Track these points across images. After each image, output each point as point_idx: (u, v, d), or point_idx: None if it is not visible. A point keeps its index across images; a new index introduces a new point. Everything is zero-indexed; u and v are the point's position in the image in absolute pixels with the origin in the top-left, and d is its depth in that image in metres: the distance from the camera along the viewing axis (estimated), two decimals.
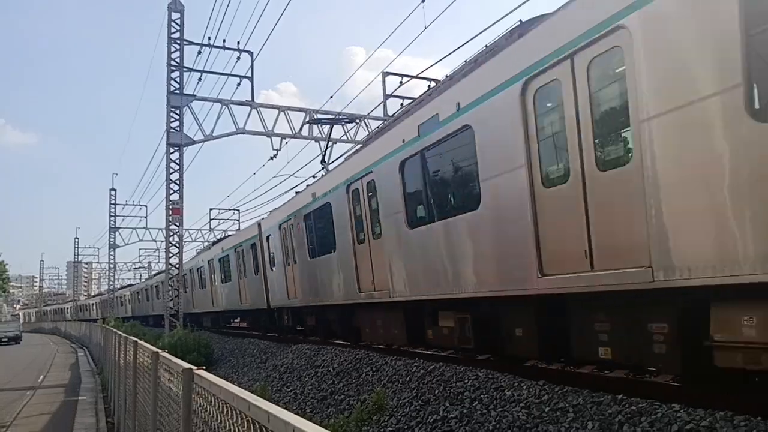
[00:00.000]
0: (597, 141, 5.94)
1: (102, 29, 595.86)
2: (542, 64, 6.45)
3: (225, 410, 2.58)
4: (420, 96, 11.57)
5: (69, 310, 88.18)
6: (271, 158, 22.57)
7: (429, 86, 21.25)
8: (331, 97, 32.02)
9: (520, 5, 12.20)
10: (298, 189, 17.44)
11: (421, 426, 7.34)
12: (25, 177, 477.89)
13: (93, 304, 72.90)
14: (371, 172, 10.83)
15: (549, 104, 6.58)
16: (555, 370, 7.68)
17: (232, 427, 2.44)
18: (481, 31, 14.16)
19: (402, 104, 21.76)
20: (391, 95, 21.50)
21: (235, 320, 28.53)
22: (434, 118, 8.69)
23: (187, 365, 3.53)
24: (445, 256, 8.72)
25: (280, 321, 18.49)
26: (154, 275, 48.19)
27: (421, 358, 9.96)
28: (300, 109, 22.64)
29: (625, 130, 5.63)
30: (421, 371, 9.07)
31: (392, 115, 21.36)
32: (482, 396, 7.34)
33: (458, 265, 8.39)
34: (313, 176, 20.08)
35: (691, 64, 4.92)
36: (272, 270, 17.81)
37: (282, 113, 22.00)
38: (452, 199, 8.92)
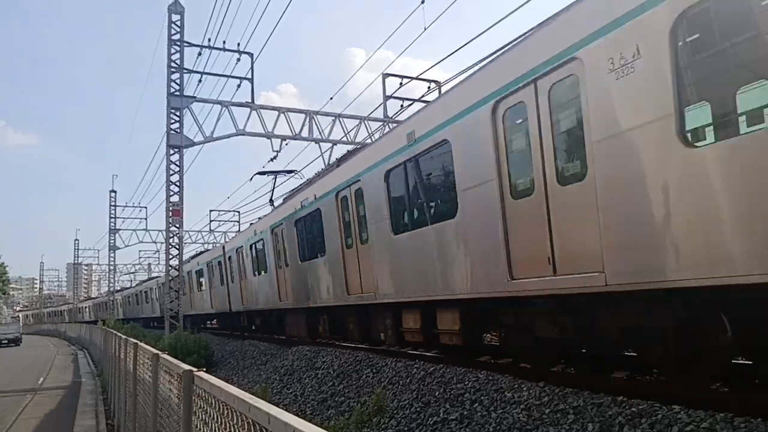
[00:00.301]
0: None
1: (103, 31, 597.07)
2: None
3: (225, 412, 2.58)
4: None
5: (65, 313, 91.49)
6: (271, 159, 22.60)
7: (428, 87, 21.32)
8: (331, 98, 31.85)
9: (520, 6, 12.23)
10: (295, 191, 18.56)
11: (422, 428, 7.34)
12: (25, 178, 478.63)
13: (86, 307, 76.39)
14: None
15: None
16: (555, 372, 7.69)
17: (232, 429, 2.44)
18: (481, 33, 14.25)
19: (402, 105, 21.80)
20: (391, 96, 21.52)
21: (211, 322, 33.44)
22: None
23: (187, 367, 3.54)
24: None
25: (240, 322, 24.59)
26: (144, 281, 51.19)
27: (422, 359, 9.97)
28: (300, 111, 22.65)
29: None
30: (422, 373, 9.07)
31: (392, 117, 21.38)
32: (482, 398, 7.34)
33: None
34: (311, 178, 20.37)
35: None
36: (232, 282, 22.89)
37: (282, 115, 22.02)
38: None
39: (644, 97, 5.39)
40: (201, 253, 32.72)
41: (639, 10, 5.39)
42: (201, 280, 28.75)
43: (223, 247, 24.87)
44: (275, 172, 20.86)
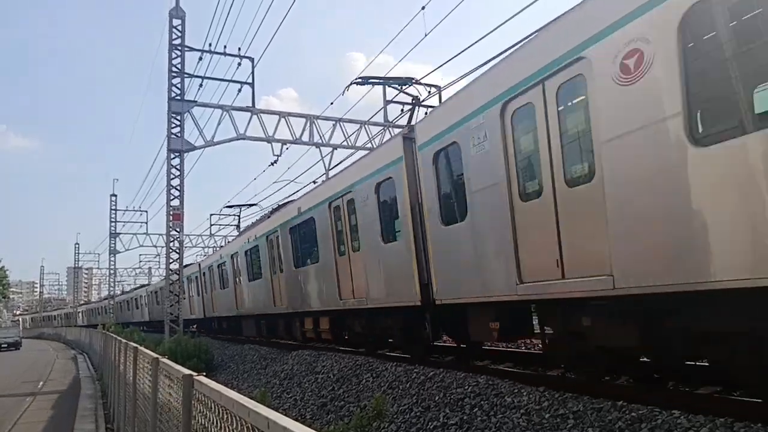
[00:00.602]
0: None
1: (104, 36, 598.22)
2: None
3: (225, 416, 2.58)
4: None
5: (60, 317, 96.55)
6: (272, 164, 22.62)
7: (429, 92, 21.33)
8: (332, 103, 32.06)
9: (522, 10, 12.26)
10: (298, 194, 19.85)
11: None
12: (26, 182, 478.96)
13: (80, 312, 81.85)
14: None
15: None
16: (555, 377, 7.68)
17: None
18: (481, 38, 14.27)
19: (402, 110, 21.82)
20: (391, 101, 21.52)
21: (192, 326, 36.07)
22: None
23: (187, 371, 3.54)
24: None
25: (220, 326, 29.05)
26: (134, 289, 55.10)
27: (422, 364, 9.96)
28: (300, 115, 22.67)
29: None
30: (422, 377, 9.07)
31: (395, 117, 21.42)
32: (482, 402, 7.33)
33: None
34: (314, 181, 20.62)
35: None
36: (206, 293, 28.13)
37: (283, 119, 22.05)
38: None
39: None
40: (187, 265, 39.02)
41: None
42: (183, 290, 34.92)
43: (199, 264, 30.24)
44: (240, 206, 27.96)
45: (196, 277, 29.71)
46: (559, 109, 6.48)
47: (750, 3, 4.76)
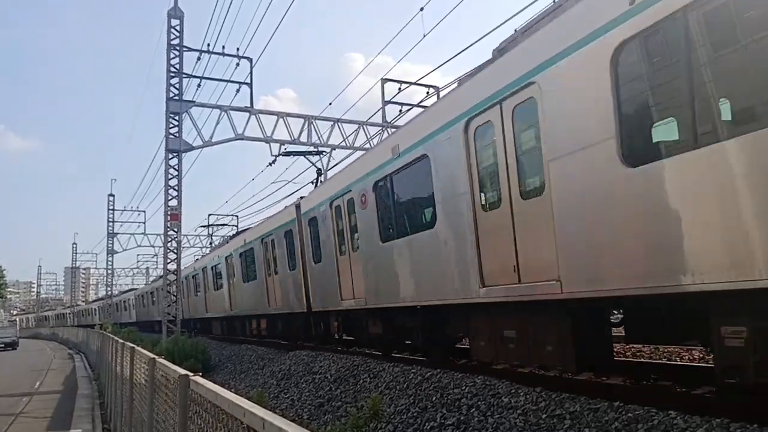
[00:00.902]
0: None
1: (103, 35, 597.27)
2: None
3: (221, 417, 2.59)
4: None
5: (50, 318, 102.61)
6: (270, 164, 22.65)
7: (427, 92, 21.37)
8: (330, 103, 31.94)
9: (518, 12, 12.32)
10: (297, 194, 21.13)
11: None
12: (24, 182, 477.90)
13: (70, 313, 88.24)
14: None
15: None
16: (552, 377, 7.69)
17: None
18: (478, 39, 14.32)
19: (401, 110, 21.84)
20: (389, 101, 21.56)
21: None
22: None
23: (183, 372, 3.54)
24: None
25: (195, 326, 32.02)
26: (123, 293, 59.01)
27: (419, 364, 9.96)
28: (299, 116, 22.67)
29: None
30: (419, 378, 9.07)
31: (388, 123, 21.42)
32: (479, 403, 7.33)
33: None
34: (313, 182, 20.68)
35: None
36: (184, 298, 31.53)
37: (281, 119, 22.04)
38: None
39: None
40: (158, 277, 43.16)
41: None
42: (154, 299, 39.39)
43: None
44: (218, 225, 34.40)
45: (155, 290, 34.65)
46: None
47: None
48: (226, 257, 23.43)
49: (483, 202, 7.80)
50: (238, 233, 25.49)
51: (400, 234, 10.22)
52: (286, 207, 17.55)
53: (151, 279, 60.21)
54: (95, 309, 68.18)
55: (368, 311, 11.76)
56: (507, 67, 7.19)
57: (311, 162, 21.09)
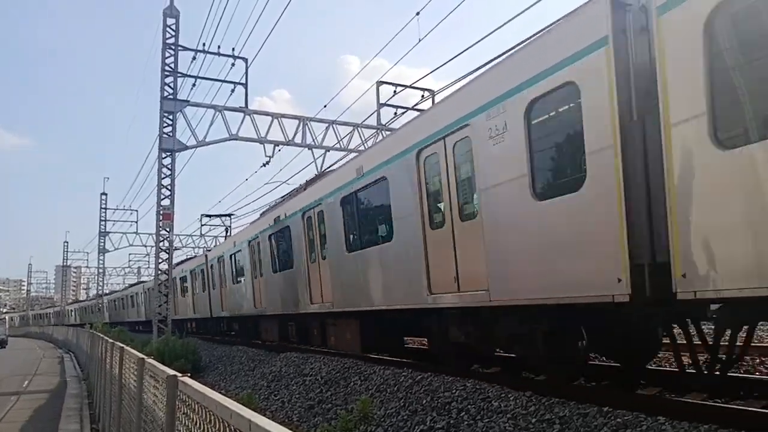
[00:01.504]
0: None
1: (98, 34, 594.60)
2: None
3: (208, 418, 2.57)
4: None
5: (37, 317, 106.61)
6: (264, 165, 22.57)
7: (422, 96, 21.40)
8: (325, 105, 31.83)
9: (515, 17, 12.39)
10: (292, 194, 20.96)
11: None
12: (16, 180, 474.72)
13: (49, 313, 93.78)
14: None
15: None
16: (542, 381, 7.71)
17: None
18: (474, 44, 14.41)
19: (396, 113, 21.88)
20: (384, 104, 21.58)
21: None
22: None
23: (171, 372, 3.52)
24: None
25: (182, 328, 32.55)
26: (106, 294, 60.01)
27: (410, 367, 9.97)
28: (294, 117, 22.63)
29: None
30: (409, 381, 9.07)
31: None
32: (469, 407, 7.34)
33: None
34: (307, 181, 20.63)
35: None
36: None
37: (275, 120, 22.01)
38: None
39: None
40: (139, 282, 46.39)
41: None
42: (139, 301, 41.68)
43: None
44: (182, 262, 32.32)
45: (149, 288, 33.55)
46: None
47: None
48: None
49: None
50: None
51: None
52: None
53: (143, 278, 62.60)
54: (73, 310, 74.19)
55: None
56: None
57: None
